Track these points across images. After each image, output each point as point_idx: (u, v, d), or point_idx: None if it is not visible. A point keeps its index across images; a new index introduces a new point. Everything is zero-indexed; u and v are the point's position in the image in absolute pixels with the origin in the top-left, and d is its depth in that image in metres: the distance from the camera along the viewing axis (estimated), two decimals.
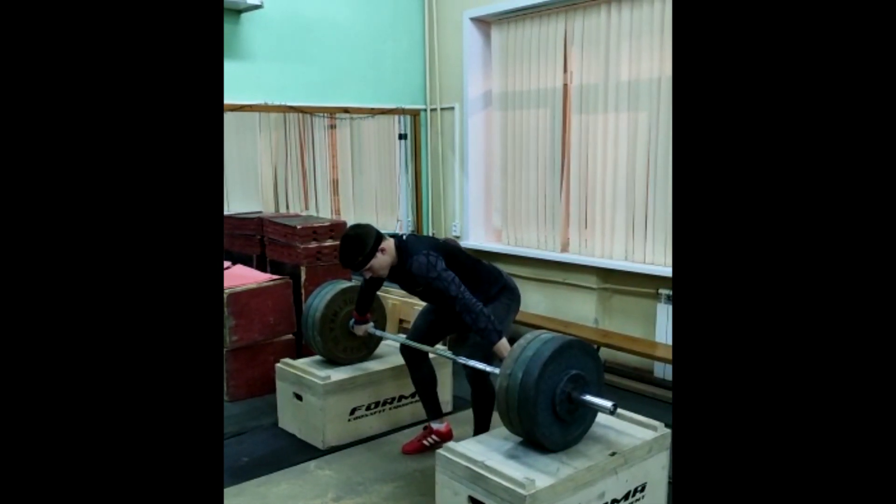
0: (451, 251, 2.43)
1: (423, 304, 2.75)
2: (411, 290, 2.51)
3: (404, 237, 2.42)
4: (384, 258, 2.34)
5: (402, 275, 2.41)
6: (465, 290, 2.22)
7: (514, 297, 2.51)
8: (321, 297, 2.87)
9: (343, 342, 2.90)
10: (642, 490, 2.05)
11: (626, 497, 2.00)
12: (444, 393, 3.03)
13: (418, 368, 2.65)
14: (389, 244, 2.36)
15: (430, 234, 4.52)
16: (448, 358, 2.50)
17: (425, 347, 2.57)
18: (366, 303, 2.76)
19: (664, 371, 3.40)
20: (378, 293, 2.90)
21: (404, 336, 2.73)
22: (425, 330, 2.62)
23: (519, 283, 2.64)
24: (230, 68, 3.58)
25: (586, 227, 3.80)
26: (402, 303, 3.80)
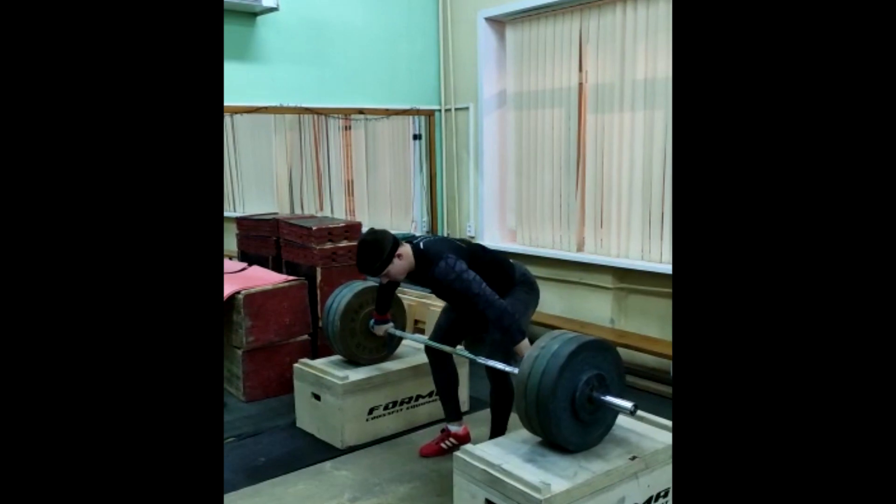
0: (469, 250, 2.42)
1: (440, 305, 2.74)
2: (434, 291, 2.52)
3: (422, 244, 2.42)
4: (401, 264, 2.35)
5: (425, 279, 2.41)
6: (486, 288, 2.22)
7: (532, 293, 2.50)
8: (341, 298, 2.88)
9: (364, 343, 2.91)
10: (665, 496, 2.03)
11: (647, 503, 1.98)
12: (461, 393, 3.02)
13: (442, 369, 2.64)
14: (406, 250, 2.37)
15: (446, 234, 4.52)
16: (468, 358, 2.50)
17: (447, 348, 2.57)
18: (385, 302, 2.77)
19: None
20: (396, 293, 2.90)
21: (424, 336, 2.72)
22: (447, 328, 2.62)
23: None
24: (246, 71, 3.60)
25: (602, 226, 3.77)
26: (418, 304, 3.80)
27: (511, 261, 2.57)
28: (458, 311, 2.57)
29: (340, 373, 2.79)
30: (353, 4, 3.96)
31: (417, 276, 2.43)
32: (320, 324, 3.01)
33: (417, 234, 4.36)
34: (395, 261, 2.33)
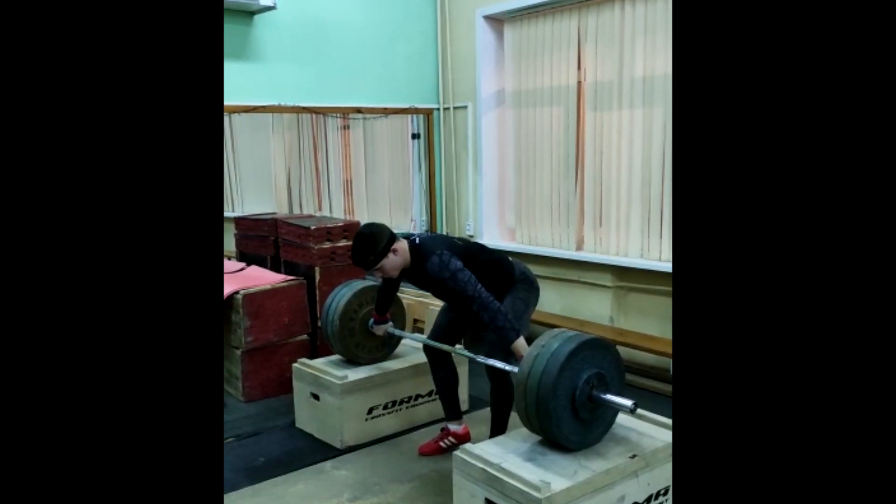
0: (467, 249, 2.41)
1: (439, 304, 2.74)
2: (429, 289, 2.51)
3: (418, 239, 2.41)
4: (396, 259, 2.34)
5: (419, 276, 2.40)
6: (481, 289, 2.20)
7: (532, 291, 2.49)
8: (339, 299, 2.87)
9: (363, 342, 2.90)
10: (665, 493, 2.02)
11: (647, 501, 1.98)
12: (461, 392, 3.02)
13: (441, 367, 2.64)
14: (402, 245, 2.36)
15: (445, 233, 4.51)
16: (467, 357, 2.50)
17: (446, 347, 2.56)
18: (385, 303, 2.76)
19: None
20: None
21: (423, 335, 2.72)
22: (447, 327, 2.61)
23: None
24: (243, 70, 3.59)
25: (601, 224, 3.77)
26: (416, 302, 3.80)
27: (510, 259, 2.56)
28: (456, 309, 2.57)
29: (339, 372, 2.79)
30: (350, 3, 3.95)
31: (413, 274, 2.42)
32: (319, 323, 3.00)
33: (416, 232, 4.36)
34: (390, 255, 2.32)
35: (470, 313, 2.30)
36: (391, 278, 2.53)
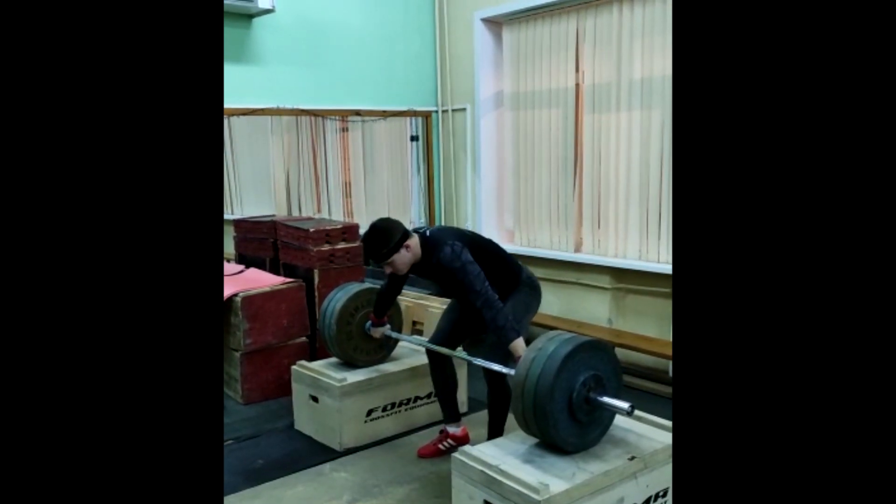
0: (475, 239, 2.42)
1: (439, 306, 2.74)
2: (437, 281, 2.51)
3: (428, 232, 2.41)
4: (407, 255, 2.34)
5: (428, 268, 2.39)
6: (488, 287, 2.21)
7: (534, 296, 2.50)
8: (336, 301, 2.87)
9: (361, 345, 2.90)
10: (664, 495, 2.03)
11: (646, 502, 1.98)
12: (460, 394, 3.02)
13: (440, 370, 2.64)
14: (414, 242, 2.36)
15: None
16: (465, 359, 2.50)
17: (446, 351, 2.56)
18: (384, 305, 2.76)
19: None
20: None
21: (421, 338, 2.72)
22: (448, 330, 2.61)
23: None
24: (242, 72, 3.59)
25: (599, 226, 3.78)
26: (415, 305, 3.80)
27: (516, 260, 2.57)
28: (460, 309, 2.57)
29: (338, 375, 2.79)
30: (349, 5, 3.96)
31: (422, 268, 2.42)
32: (318, 326, 3.01)
33: (425, 226, 4.37)
34: (402, 251, 2.32)
35: (473, 310, 2.30)
36: (398, 276, 2.53)
